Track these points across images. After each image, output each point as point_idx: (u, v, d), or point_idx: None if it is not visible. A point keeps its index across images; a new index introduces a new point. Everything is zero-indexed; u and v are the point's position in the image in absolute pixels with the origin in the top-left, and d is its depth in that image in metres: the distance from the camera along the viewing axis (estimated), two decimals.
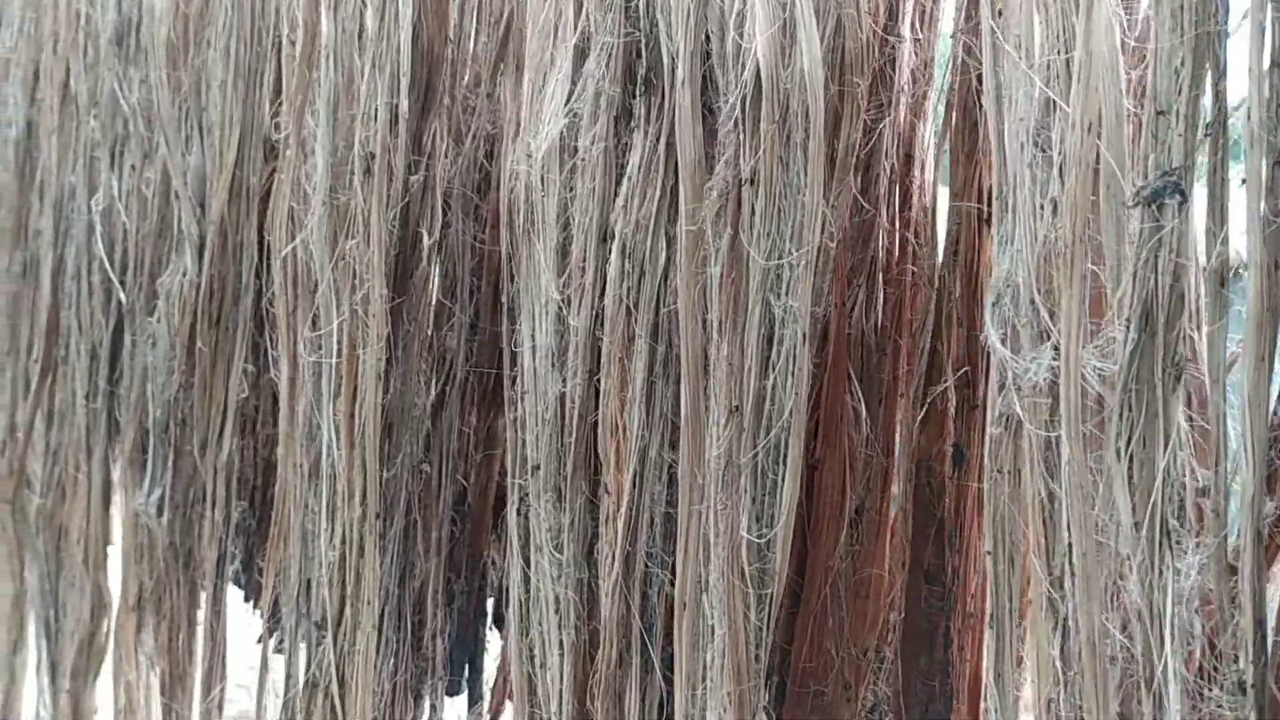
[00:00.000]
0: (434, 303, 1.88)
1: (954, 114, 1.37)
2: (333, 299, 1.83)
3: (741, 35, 1.28)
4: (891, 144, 1.39)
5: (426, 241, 1.75)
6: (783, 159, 1.27)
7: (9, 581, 3.13)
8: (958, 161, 1.36)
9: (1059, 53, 1.04)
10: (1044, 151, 1.04)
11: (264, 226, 2.18)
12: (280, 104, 2.15)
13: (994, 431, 1.07)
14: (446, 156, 1.78)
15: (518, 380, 1.56)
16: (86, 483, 2.65)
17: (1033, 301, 1.04)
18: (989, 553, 1.08)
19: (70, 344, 2.74)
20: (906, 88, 1.40)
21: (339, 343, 1.82)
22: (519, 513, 1.58)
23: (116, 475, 2.61)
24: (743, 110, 1.29)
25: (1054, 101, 1.04)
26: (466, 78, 1.88)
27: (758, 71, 1.27)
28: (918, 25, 1.42)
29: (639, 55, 1.46)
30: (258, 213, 2.16)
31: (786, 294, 1.28)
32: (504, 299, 1.82)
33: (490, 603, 1.95)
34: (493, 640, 1.96)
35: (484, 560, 1.92)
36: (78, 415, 2.71)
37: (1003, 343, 1.06)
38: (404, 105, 1.72)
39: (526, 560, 1.55)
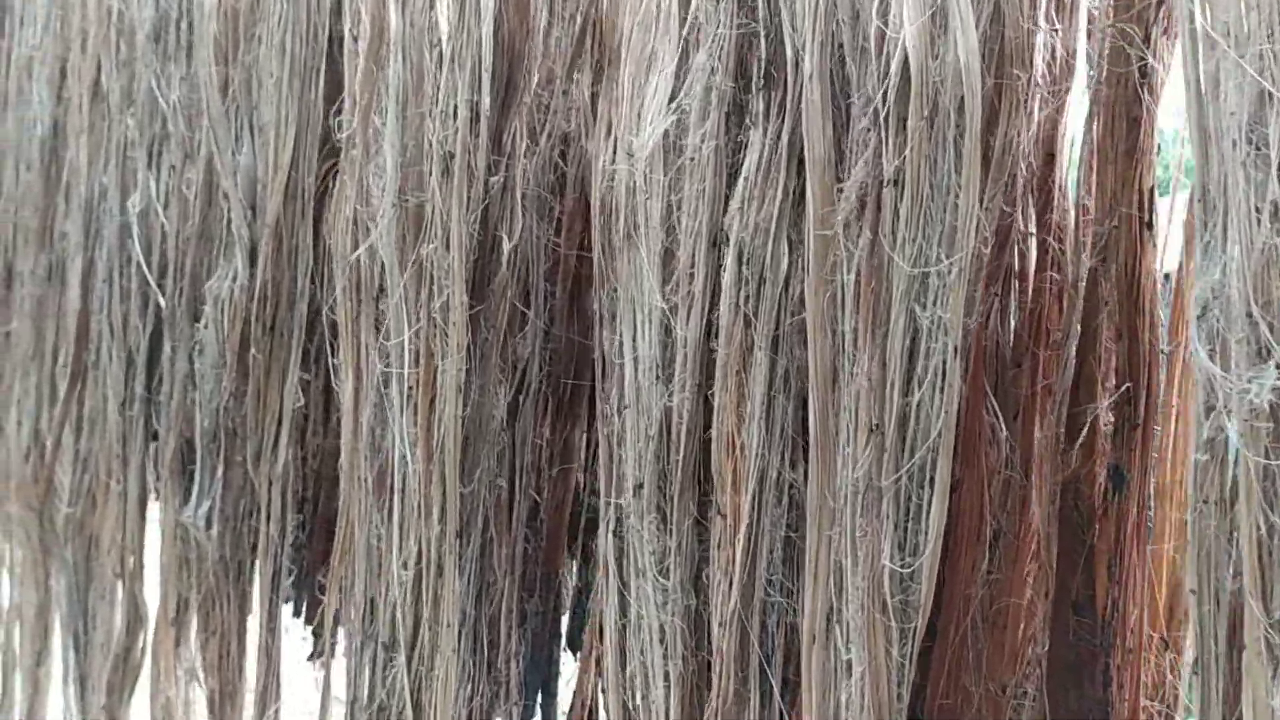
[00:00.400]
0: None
1: (1103, 110, 1.26)
2: (403, 306, 1.71)
3: (885, 23, 1.17)
4: (1030, 142, 1.28)
5: (506, 245, 1.64)
6: (930, 158, 1.16)
7: (34, 590, 3.01)
8: (1108, 161, 1.25)
9: (1271, 38, 0.93)
10: (1259, 150, 0.93)
11: (321, 229, 2.06)
12: (339, 102, 2.03)
13: (1199, 458, 0.96)
14: (525, 156, 1.67)
15: (613, 393, 1.44)
16: (121, 492, 2.53)
17: (1249, 315, 0.92)
18: (1192, 591, 0.97)
19: (101, 349, 2.62)
20: (1043, 81, 1.29)
21: (413, 352, 1.70)
22: (615, 534, 1.47)
23: (154, 485, 2.49)
24: (884, 105, 1.17)
25: (1270, 94, 0.93)
26: (538, 73, 1.76)
27: (904, 63, 1.16)
28: (1054, 15, 1.31)
29: (750, 47, 1.35)
30: (313, 215, 2.04)
31: (934, 304, 1.16)
32: (592, 305, 1.71)
33: (564, 622, 1.83)
34: (567, 663, 1.85)
35: (559, 579, 1.80)
36: (109, 423, 2.58)
37: (1211, 359, 0.95)
38: (485, 103, 1.61)
39: (624, 585, 1.44)
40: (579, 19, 1.74)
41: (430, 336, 1.63)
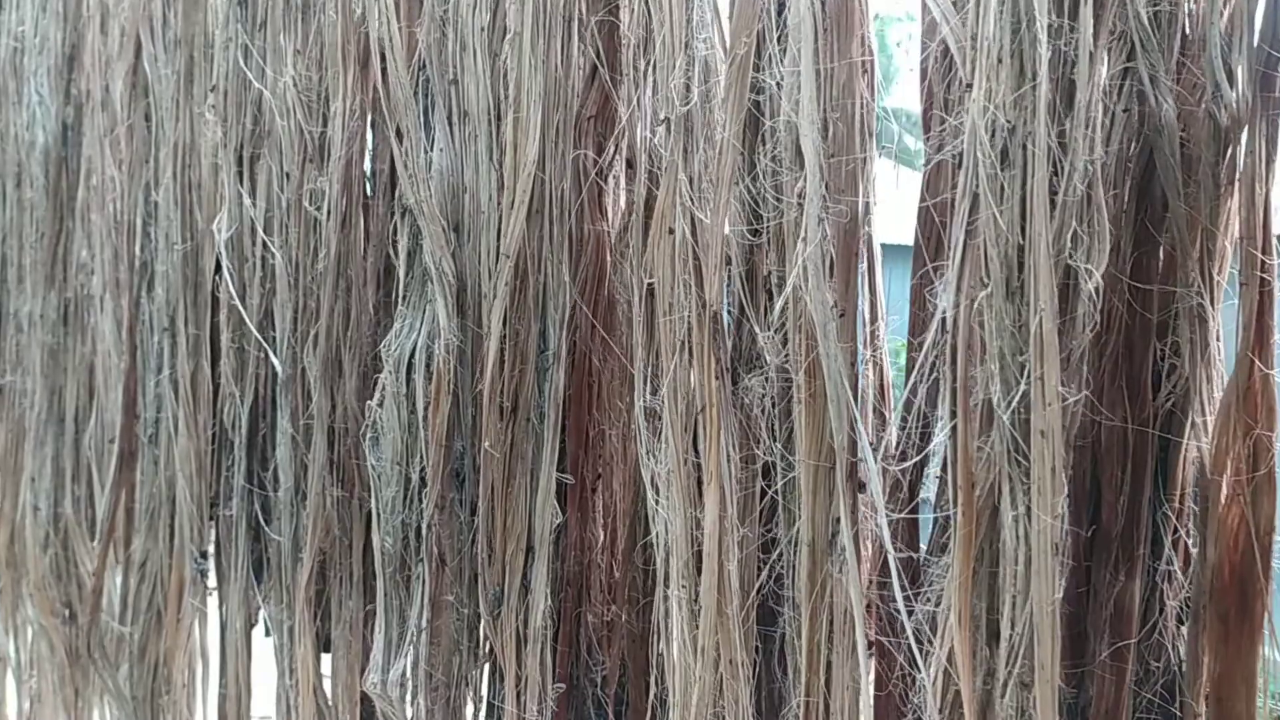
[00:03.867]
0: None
1: None
2: (842, 377, 0.87)
3: None
4: None
5: (1086, 284, 0.81)
6: None
7: (62, 714, 2.06)
8: None
9: None
10: None
11: (579, 261, 1.19)
12: (600, 72, 1.17)
13: None
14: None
15: None
16: (220, 617, 1.62)
17: None
18: None
19: (163, 421, 1.69)
20: None
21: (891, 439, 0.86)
22: None
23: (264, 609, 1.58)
24: None
25: None
26: None
27: None
28: None
29: None
30: (570, 241, 1.18)
31: None
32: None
33: None
34: None
35: None
36: (181, 520, 1.66)
37: None
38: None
39: None
40: None
41: (966, 436, 0.79)
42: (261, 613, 1.59)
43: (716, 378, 0.91)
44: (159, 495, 1.71)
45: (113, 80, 1.81)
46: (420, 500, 1.22)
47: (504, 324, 1.13)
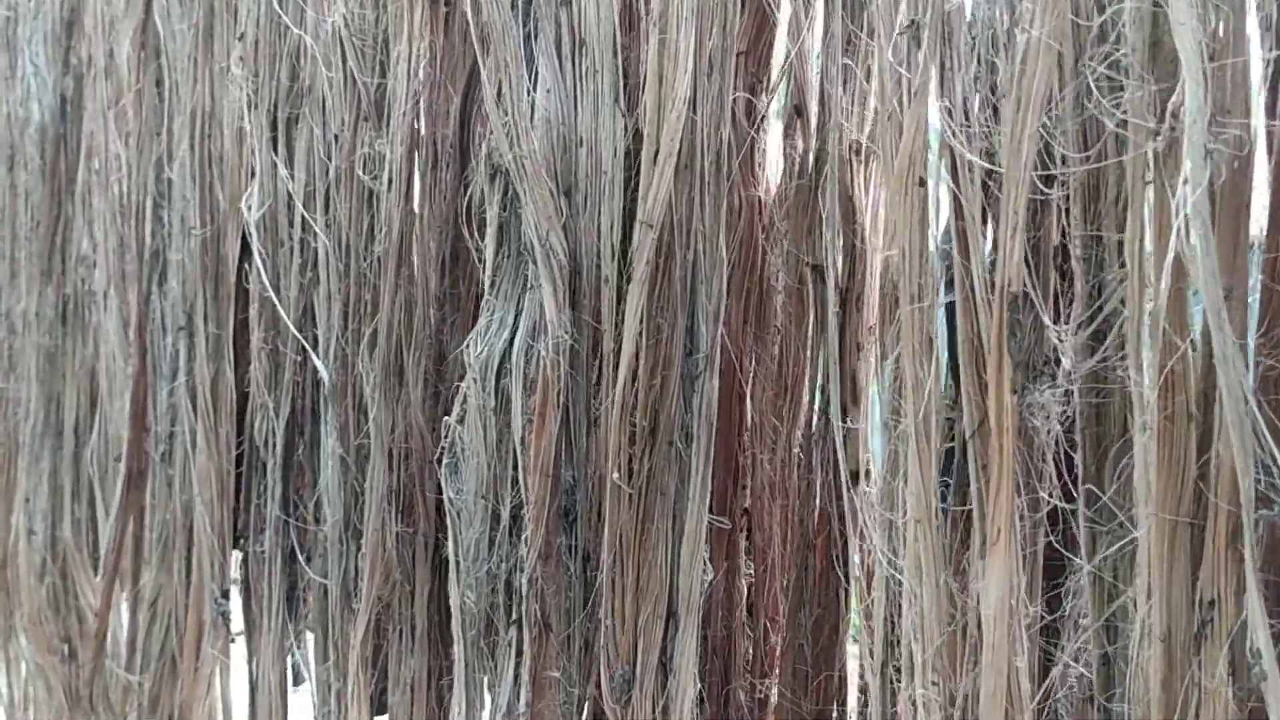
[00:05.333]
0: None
1: None
2: (1244, 390, 0.54)
3: None
4: None
5: None
6: None
7: None
8: None
9: None
10: None
11: (734, 236, 0.85)
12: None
13: None
14: None
15: None
16: (250, 672, 1.27)
17: None
18: None
19: (178, 436, 1.35)
20: None
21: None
22: None
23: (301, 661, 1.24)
24: None
25: None
26: None
27: None
28: None
29: None
30: (720, 212, 0.84)
31: None
32: None
33: None
34: None
35: None
36: (201, 552, 1.32)
37: None
38: None
39: None
40: None
41: None
42: (290, 659, 1.25)
43: (1012, 391, 0.58)
44: (173, 522, 1.36)
45: (118, 43, 1.47)
46: (513, 544, 0.88)
47: (640, 318, 0.79)
